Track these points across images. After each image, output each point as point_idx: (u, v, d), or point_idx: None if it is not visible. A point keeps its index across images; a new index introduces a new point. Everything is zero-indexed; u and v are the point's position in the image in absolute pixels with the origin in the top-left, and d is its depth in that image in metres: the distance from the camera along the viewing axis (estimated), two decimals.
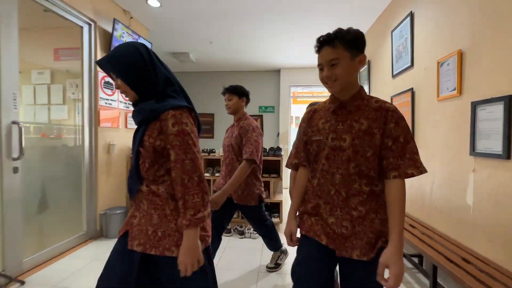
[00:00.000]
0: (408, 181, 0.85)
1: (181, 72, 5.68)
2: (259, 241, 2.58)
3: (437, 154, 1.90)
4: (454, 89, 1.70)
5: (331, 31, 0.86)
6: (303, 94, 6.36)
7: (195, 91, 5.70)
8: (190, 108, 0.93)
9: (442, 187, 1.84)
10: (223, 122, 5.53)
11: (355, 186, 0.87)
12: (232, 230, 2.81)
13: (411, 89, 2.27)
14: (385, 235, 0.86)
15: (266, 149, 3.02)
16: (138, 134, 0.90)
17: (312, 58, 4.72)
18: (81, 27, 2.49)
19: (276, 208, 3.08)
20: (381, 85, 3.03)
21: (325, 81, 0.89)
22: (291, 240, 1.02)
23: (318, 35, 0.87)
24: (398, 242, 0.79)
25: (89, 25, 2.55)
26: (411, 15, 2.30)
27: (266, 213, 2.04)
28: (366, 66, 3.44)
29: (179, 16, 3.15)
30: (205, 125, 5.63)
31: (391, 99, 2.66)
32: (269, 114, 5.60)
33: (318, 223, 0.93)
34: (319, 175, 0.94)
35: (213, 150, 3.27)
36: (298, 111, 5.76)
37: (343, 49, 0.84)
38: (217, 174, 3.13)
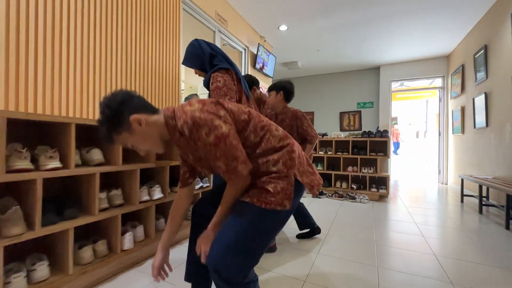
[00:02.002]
0: None
1: (288, 78, 6.82)
2: (369, 205, 3.15)
3: None
4: None
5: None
6: (403, 89, 6.31)
7: (298, 93, 6.70)
8: (225, 68, 1.23)
9: None
10: (322, 119, 6.26)
11: None
12: (343, 196, 3.48)
13: None
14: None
15: (372, 132, 3.56)
16: None
17: (413, 51, 4.84)
18: (241, 52, 3.82)
19: (383, 182, 3.54)
20: (500, 66, 3.05)
21: None
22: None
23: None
24: (209, 229, 0.82)
25: (245, 50, 3.87)
26: None
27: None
28: (483, 50, 3.45)
29: (297, 33, 4.15)
30: None
31: None
32: (367, 109, 5.93)
33: None
34: None
35: (326, 134, 4.06)
36: (397, 109, 5.68)
37: None
38: (329, 153, 3.85)
